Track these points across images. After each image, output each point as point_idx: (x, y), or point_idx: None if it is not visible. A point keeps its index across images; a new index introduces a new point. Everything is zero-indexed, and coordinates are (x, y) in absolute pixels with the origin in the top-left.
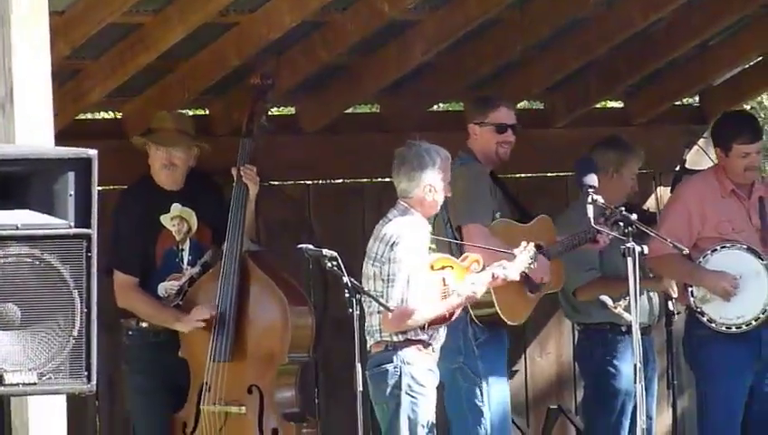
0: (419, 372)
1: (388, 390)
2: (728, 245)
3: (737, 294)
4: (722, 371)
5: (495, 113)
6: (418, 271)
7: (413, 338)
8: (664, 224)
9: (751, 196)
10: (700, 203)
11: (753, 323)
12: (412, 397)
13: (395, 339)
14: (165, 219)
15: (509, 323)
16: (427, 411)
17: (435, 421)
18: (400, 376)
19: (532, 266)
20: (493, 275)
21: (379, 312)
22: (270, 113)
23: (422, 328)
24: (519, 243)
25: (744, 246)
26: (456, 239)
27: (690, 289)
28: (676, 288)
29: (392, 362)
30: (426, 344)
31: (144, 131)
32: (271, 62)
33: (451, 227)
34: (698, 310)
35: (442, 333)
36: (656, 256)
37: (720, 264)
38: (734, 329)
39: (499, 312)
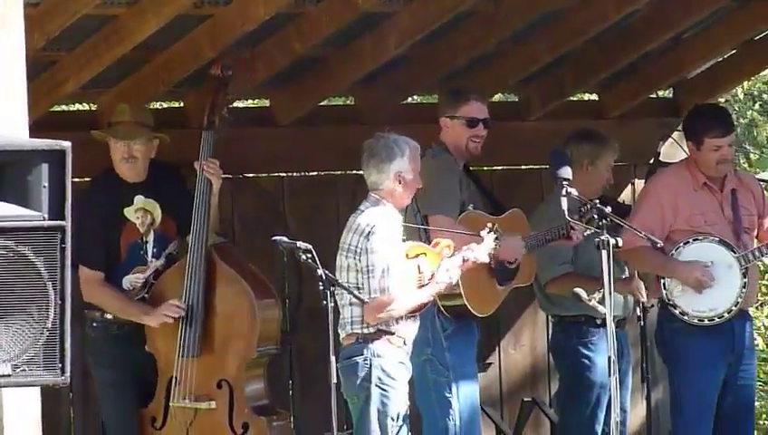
0: (390, 364)
1: (358, 382)
2: (700, 237)
3: (710, 287)
4: (695, 363)
5: (467, 107)
6: (396, 260)
7: (384, 330)
8: (636, 217)
9: (723, 188)
10: (672, 196)
11: (726, 315)
12: (382, 390)
13: (366, 331)
14: (128, 212)
15: (477, 314)
16: (397, 404)
17: (407, 414)
18: (370, 369)
19: (498, 247)
20: (463, 259)
21: (351, 304)
22: (233, 106)
23: (397, 320)
24: None
25: (717, 239)
26: (426, 226)
27: (663, 281)
28: (644, 292)
29: (362, 354)
30: (398, 338)
31: (104, 125)
32: (244, 54)
33: (420, 218)
34: (671, 303)
35: (415, 325)
36: (629, 249)
37: (692, 256)
38: (706, 322)
39: (467, 303)
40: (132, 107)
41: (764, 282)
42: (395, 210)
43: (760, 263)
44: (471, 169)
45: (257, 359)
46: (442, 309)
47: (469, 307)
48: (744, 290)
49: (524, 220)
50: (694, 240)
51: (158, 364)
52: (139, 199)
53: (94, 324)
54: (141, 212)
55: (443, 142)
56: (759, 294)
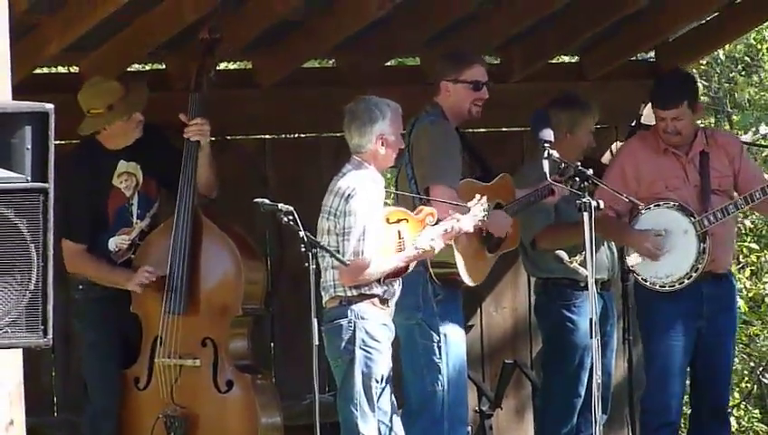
0: (373, 326)
1: (343, 345)
2: (660, 203)
3: (663, 254)
4: (658, 328)
5: (471, 71)
6: (374, 224)
7: (367, 293)
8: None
9: (690, 152)
10: (635, 163)
11: (686, 281)
12: (366, 352)
13: (349, 294)
14: (113, 178)
15: (470, 284)
16: (381, 366)
17: (390, 376)
18: (354, 331)
19: (485, 219)
20: (446, 229)
21: (333, 267)
22: (219, 68)
23: (378, 282)
24: None
25: (674, 205)
26: (419, 196)
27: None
28: None
29: (346, 317)
30: (381, 300)
31: (104, 111)
32: (226, 17)
33: (416, 184)
34: (632, 269)
35: (397, 287)
36: None
37: (648, 223)
38: (667, 288)
39: (462, 274)
40: (115, 80)
41: (746, 244)
42: (377, 173)
43: (741, 225)
44: (460, 131)
45: (242, 317)
46: (433, 276)
47: (463, 278)
48: (703, 255)
49: (512, 185)
50: (655, 206)
51: (143, 325)
52: (121, 165)
53: (80, 287)
54: (125, 176)
55: (437, 106)
56: (740, 256)
